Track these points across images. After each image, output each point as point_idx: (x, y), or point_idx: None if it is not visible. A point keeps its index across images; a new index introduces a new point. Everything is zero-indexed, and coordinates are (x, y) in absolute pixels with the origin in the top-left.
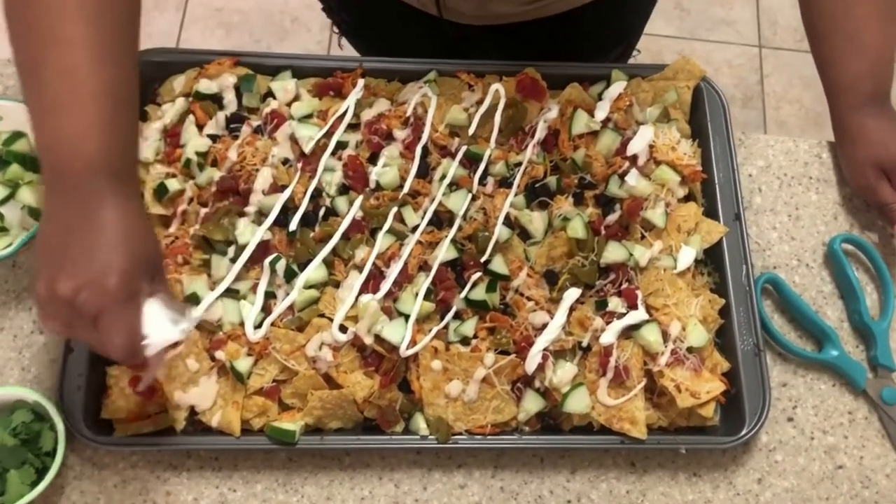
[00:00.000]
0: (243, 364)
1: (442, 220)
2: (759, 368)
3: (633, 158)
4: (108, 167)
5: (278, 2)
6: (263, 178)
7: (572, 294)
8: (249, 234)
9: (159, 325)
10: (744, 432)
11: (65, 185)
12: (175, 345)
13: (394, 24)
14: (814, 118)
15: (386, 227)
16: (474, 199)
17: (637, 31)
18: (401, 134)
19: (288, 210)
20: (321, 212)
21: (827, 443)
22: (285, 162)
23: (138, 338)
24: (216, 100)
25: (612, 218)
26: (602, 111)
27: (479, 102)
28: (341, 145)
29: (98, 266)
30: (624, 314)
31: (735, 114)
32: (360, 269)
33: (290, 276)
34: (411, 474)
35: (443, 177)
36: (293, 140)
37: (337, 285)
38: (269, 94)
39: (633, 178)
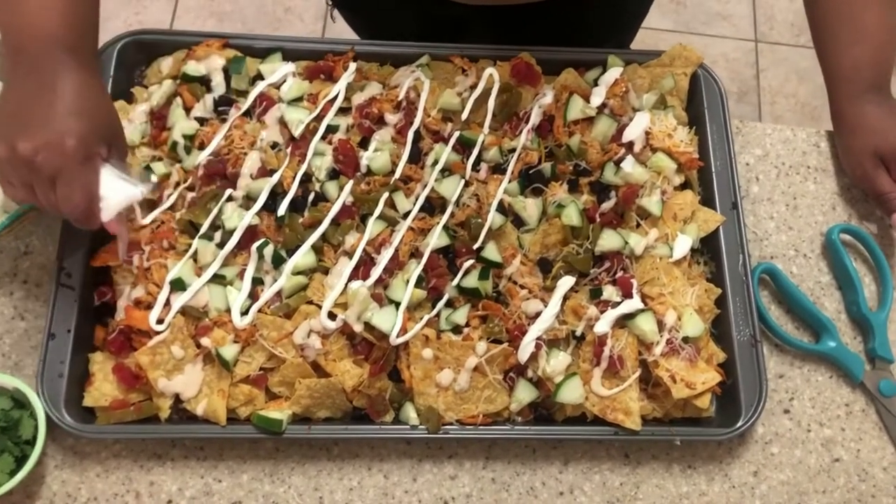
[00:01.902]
0: (229, 351)
1: (434, 206)
2: (755, 359)
3: (629, 145)
4: (66, 42)
5: None
6: (252, 162)
7: (566, 282)
8: (237, 218)
9: (116, 187)
10: (740, 424)
11: (26, 62)
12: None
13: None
14: (810, 112)
15: (377, 212)
16: (467, 185)
17: (635, 24)
18: (393, 118)
19: (276, 195)
20: (310, 197)
21: (824, 435)
22: (274, 146)
23: (95, 197)
24: (204, 82)
25: (607, 205)
26: (598, 97)
27: (473, 87)
28: (332, 129)
29: (56, 129)
30: (619, 303)
31: (731, 108)
32: (349, 255)
33: (277, 261)
34: (401, 465)
35: (435, 162)
36: (282, 123)
37: (326, 272)
38: (259, 76)
39: (628, 164)
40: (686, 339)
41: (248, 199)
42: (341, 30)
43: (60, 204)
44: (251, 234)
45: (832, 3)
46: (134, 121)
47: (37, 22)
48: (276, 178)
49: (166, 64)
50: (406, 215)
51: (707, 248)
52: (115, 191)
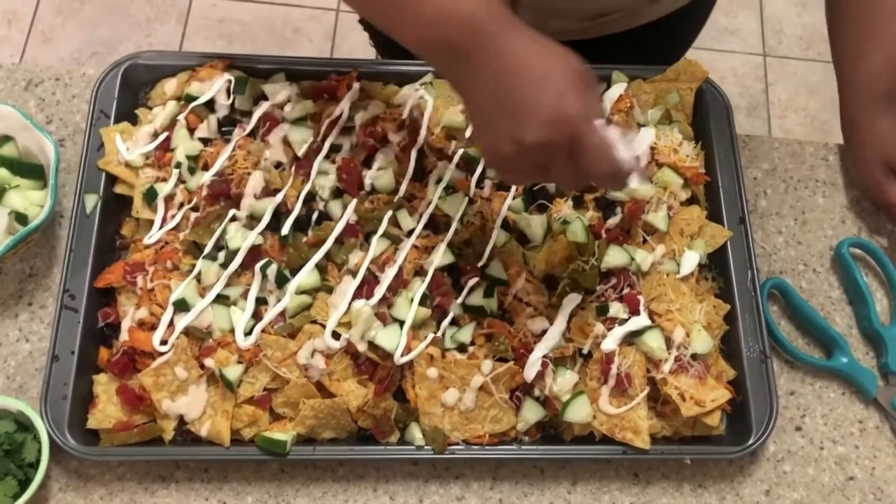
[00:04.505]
0: (233, 372)
1: (438, 224)
2: (765, 376)
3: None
4: (491, 13)
5: (280, 12)
6: (255, 182)
7: (572, 299)
8: (240, 238)
9: (620, 137)
10: (750, 442)
11: (464, 56)
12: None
13: None
14: (819, 126)
15: (381, 231)
16: (471, 202)
17: (684, 49)
18: (396, 137)
19: (280, 214)
20: (314, 216)
21: (837, 453)
22: (278, 165)
23: (615, 151)
24: (208, 103)
25: (613, 221)
26: None
27: None
28: (335, 148)
29: (550, 99)
30: (626, 320)
31: (740, 122)
32: (353, 274)
33: (281, 281)
34: (407, 486)
35: (439, 180)
36: (286, 143)
37: (330, 291)
38: (262, 96)
39: (634, 180)
40: (695, 356)
41: (252, 219)
42: (349, 50)
43: (583, 171)
44: (255, 253)
45: (856, 9)
46: (138, 142)
47: (454, 8)
48: (279, 197)
49: (170, 85)
50: (410, 233)
51: (715, 264)
52: (622, 141)
